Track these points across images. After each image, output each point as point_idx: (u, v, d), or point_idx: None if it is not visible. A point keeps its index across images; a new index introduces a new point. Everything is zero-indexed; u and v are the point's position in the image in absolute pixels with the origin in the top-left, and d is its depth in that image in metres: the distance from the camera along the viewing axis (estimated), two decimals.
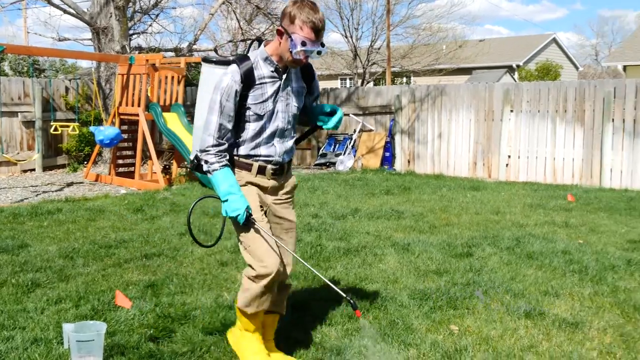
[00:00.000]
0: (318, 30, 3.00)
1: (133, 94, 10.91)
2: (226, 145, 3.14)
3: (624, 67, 28.16)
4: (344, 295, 3.04)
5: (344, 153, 13.48)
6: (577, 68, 39.73)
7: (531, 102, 11.37)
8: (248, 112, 3.16)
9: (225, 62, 3.22)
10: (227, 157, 3.14)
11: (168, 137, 10.68)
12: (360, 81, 25.63)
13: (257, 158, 3.24)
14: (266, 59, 3.16)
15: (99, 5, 12.96)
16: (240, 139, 3.21)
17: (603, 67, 43.98)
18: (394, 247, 6.01)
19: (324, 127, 3.43)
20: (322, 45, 3.04)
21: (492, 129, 11.89)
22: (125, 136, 11.13)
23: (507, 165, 11.69)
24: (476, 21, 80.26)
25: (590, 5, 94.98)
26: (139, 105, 10.72)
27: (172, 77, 11.19)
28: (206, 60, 3.39)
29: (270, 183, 3.30)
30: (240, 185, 3.18)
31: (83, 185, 10.85)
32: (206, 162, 3.11)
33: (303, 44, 2.98)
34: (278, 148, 3.27)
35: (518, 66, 33.46)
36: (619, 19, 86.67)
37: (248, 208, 3.07)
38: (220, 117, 3.08)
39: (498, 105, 11.78)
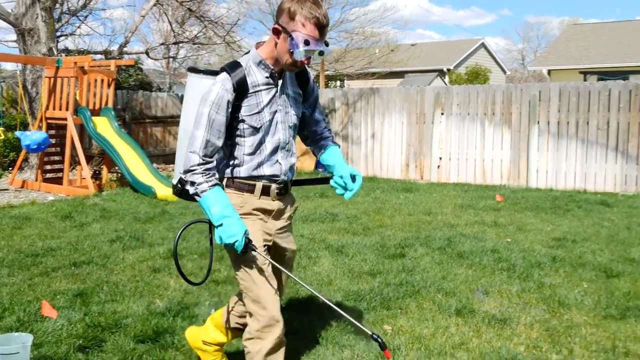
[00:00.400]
0: (322, 27, 2.62)
1: (61, 97, 10.59)
2: (214, 164, 2.73)
3: (549, 71, 29.23)
4: (370, 332, 2.63)
5: None
6: (504, 72, 40.92)
7: (461, 105, 11.65)
8: (242, 126, 2.74)
9: (214, 72, 2.85)
10: (217, 177, 2.72)
11: (98, 142, 10.42)
12: None
13: (261, 178, 2.82)
14: (260, 63, 2.75)
15: (24, 6, 12.54)
16: (237, 159, 2.79)
17: (529, 71, 45.54)
18: (328, 249, 6.04)
19: (343, 196, 2.97)
20: (326, 44, 2.66)
21: (423, 131, 12.11)
22: (53, 141, 10.78)
23: (438, 166, 11.93)
24: (408, 26, 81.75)
25: (517, 11, 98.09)
26: (67, 109, 10.41)
27: (102, 80, 10.93)
28: (193, 69, 3.05)
29: (275, 205, 2.89)
30: (243, 214, 2.79)
31: (8, 192, 10.46)
32: (192, 183, 2.66)
33: (306, 42, 2.58)
34: (283, 165, 2.85)
35: (449, 70, 34.22)
36: (544, 25, 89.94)
37: (246, 232, 2.65)
38: (208, 131, 2.66)
39: (429, 108, 12.02)
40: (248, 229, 2.71)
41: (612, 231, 6.92)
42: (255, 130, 2.75)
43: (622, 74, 19.52)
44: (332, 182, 3.02)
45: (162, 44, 19.25)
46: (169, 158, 14.71)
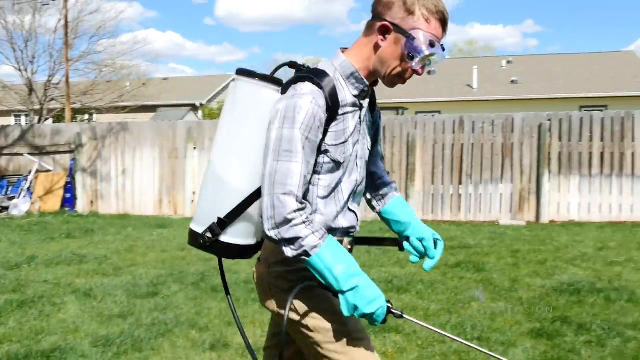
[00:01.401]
0: (446, 25, 1.98)
1: None
2: (310, 209, 1.98)
3: None
4: None
5: (18, 196, 12.41)
6: None
7: (213, 140, 11.76)
8: (322, 159, 1.98)
9: (277, 81, 2.03)
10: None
11: None
12: (37, 118, 23.99)
13: (336, 232, 2.08)
14: (351, 76, 2.02)
15: None
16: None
17: None
18: (75, 294, 5.68)
19: (422, 265, 2.26)
20: (443, 48, 1.97)
21: (176, 166, 12.03)
22: None
23: (192, 201, 11.90)
24: (160, 59, 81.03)
25: (266, 49, 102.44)
26: None
27: None
28: (248, 73, 2.05)
29: None
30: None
31: None
32: (293, 240, 1.85)
33: (432, 44, 1.91)
34: (358, 213, 2.17)
35: (202, 104, 34.53)
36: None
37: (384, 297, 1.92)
38: (303, 164, 1.89)
39: (182, 142, 11.98)
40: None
41: (354, 255, 7.43)
42: (337, 166, 2.02)
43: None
44: (406, 245, 2.28)
45: None
46: None
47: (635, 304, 5.22)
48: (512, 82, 29.59)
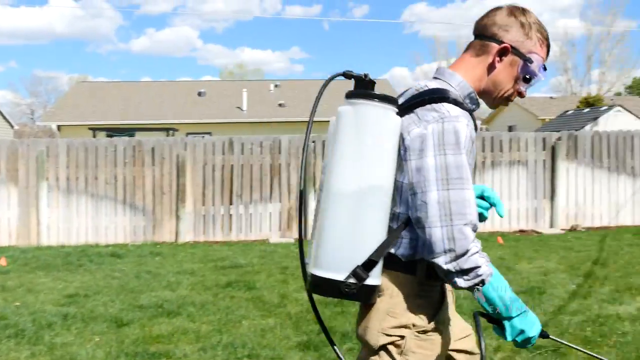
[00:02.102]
0: (549, 52, 2.04)
1: None
2: None
3: (58, 127, 29.07)
4: None
5: None
6: (12, 126, 39.06)
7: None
8: None
9: (394, 100, 1.85)
10: None
11: None
12: None
13: None
14: (467, 96, 1.97)
15: None
16: None
17: (39, 126, 44.43)
18: None
19: (498, 212, 2.17)
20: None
21: None
22: None
23: None
24: None
25: (25, 65, 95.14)
26: None
27: None
28: (370, 95, 1.82)
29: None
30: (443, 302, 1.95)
31: None
32: (469, 270, 1.75)
33: (544, 68, 1.98)
34: None
35: None
36: (54, 80, 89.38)
37: None
38: (472, 190, 1.80)
39: None
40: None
41: (123, 281, 7.17)
42: None
43: (128, 131, 20.68)
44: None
45: None
46: None
47: None
48: (280, 105, 30.79)
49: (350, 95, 1.87)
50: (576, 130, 12.10)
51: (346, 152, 1.81)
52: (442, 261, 1.74)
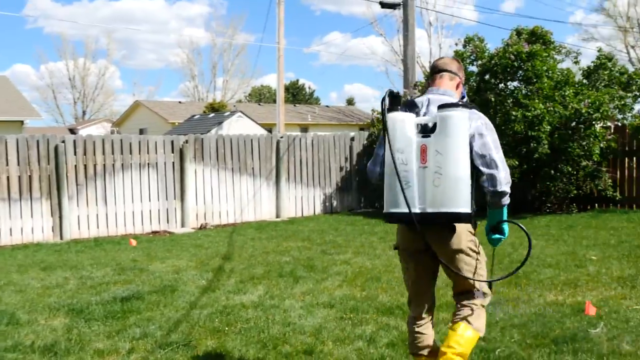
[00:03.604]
0: None
1: None
2: None
3: None
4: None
5: None
6: None
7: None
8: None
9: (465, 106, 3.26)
10: None
11: None
12: None
13: None
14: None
15: None
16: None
17: None
18: None
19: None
20: None
21: None
22: None
23: None
24: None
25: None
26: None
27: None
28: (454, 105, 3.19)
29: None
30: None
31: None
32: (508, 194, 3.22)
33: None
34: None
35: None
36: None
37: None
38: None
39: None
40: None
41: None
42: None
43: None
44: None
45: None
46: None
47: (15, 325, 5.24)
48: None
49: (448, 106, 3.17)
50: (202, 133, 12.68)
51: (452, 144, 3.10)
52: (504, 186, 3.16)
